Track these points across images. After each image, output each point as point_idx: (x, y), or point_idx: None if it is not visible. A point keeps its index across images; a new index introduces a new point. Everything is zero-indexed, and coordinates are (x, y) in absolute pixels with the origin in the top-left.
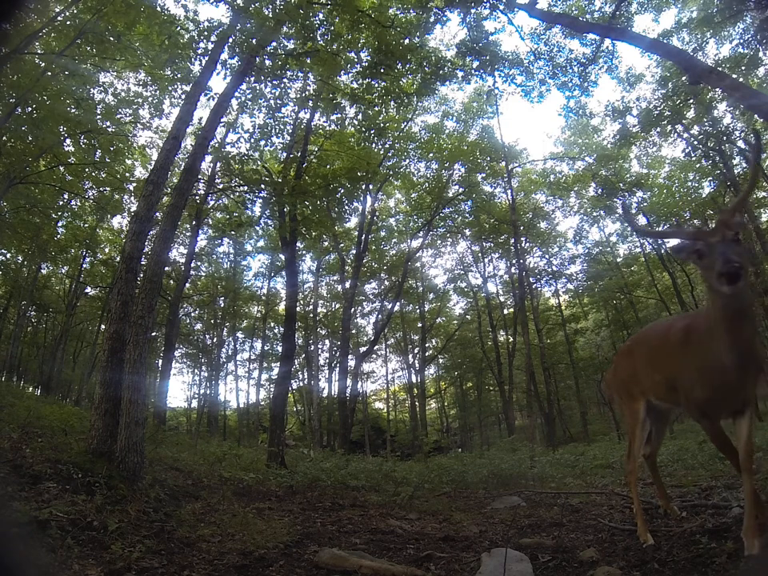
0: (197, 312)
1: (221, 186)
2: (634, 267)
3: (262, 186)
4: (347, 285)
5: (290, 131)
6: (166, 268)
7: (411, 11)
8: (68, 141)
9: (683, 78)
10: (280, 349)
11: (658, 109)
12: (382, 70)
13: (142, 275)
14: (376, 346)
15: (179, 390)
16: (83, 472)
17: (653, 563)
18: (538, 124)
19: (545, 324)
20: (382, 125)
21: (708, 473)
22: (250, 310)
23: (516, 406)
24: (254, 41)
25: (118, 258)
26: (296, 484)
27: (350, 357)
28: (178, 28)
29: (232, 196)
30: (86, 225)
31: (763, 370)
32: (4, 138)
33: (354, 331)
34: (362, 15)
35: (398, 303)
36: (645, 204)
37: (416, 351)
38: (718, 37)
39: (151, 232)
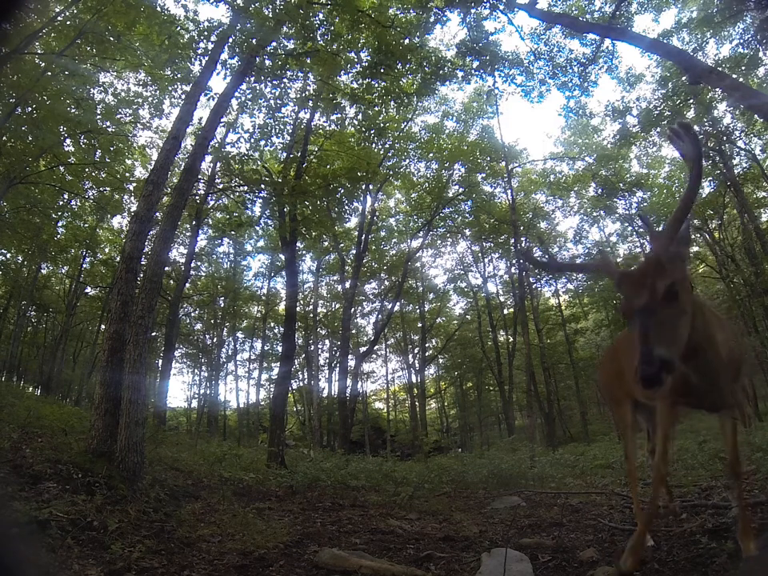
0: (197, 312)
1: (221, 186)
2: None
3: (262, 186)
4: (347, 285)
5: (290, 131)
6: (166, 268)
7: (411, 11)
8: (68, 141)
9: (683, 78)
10: (280, 349)
11: (658, 109)
12: (382, 70)
13: (142, 275)
14: (376, 346)
15: (179, 389)
16: (83, 472)
17: (653, 563)
18: (538, 124)
19: (545, 324)
20: (381, 125)
21: (708, 473)
22: (250, 310)
23: (516, 406)
24: (254, 41)
25: (118, 258)
26: (296, 484)
27: (350, 357)
28: (178, 28)
29: (232, 196)
30: (86, 225)
31: (738, 379)
32: (4, 138)
33: (354, 331)
34: (362, 15)
35: (398, 303)
36: (645, 204)
37: (416, 351)
38: (718, 37)
39: (151, 232)
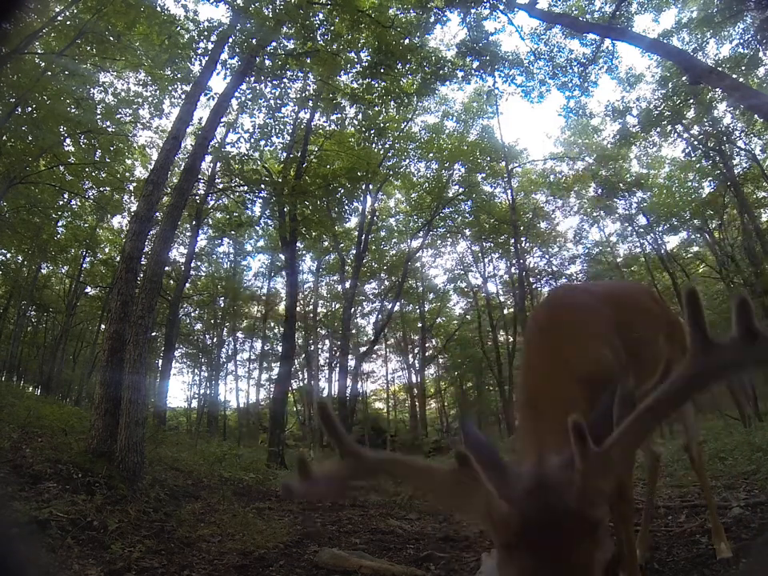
0: (197, 312)
1: (221, 186)
2: (634, 267)
3: (262, 186)
4: (347, 285)
5: (290, 131)
6: (166, 268)
7: (411, 11)
8: (68, 141)
9: (683, 78)
10: (280, 349)
11: (658, 109)
12: (382, 70)
13: (141, 275)
14: (376, 346)
15: (179, 389)
16: (83, 472)
17: (653, 563)
18: (538, 124)
19: None
20: (381, 125)
21: (708, 473)
22: (250, 309)
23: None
24: (254, 41)
25: (118, 258)
26: None
27: (349, 357)
28: (178, 28)
29: (232, 196)
30: (86, 225)
31: None
32: (4, 137)
33: (353, 331)
34: (362, 15)
35: (398, 303)
36: (645, 204)
37: (416, 351)
38: (718, 37)
39: (151, 232)
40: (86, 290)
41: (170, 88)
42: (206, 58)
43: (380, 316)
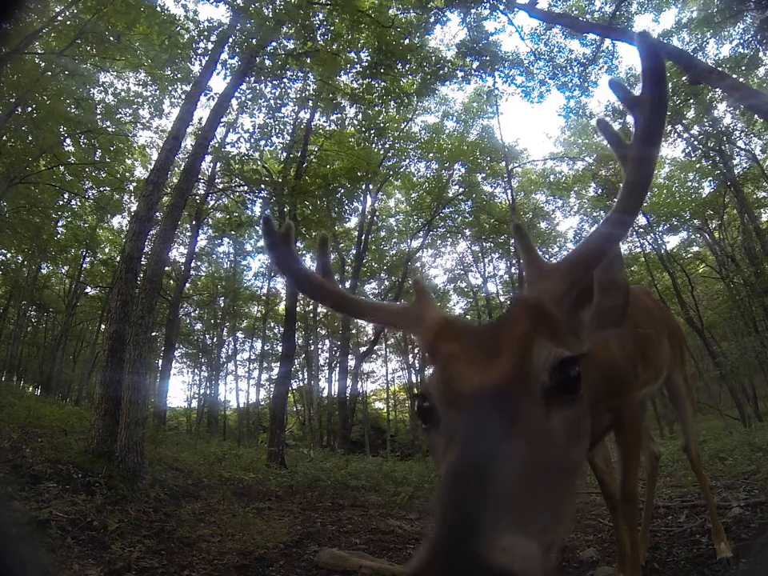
0: (197, 312)
1: (221, 186)
2: (634, 267)
3: (262, 186)
4: (347, 285)
5: (290, 131)
6: (166, 268)
7: (411, 11)
8: (68, 141)
9: (683, 78)
10: (280, 349)
11: None
12: (382, 70)
13: (142, 275)
14: (376, 346)
15: (179, 389)
16: (83, 472)
17: (653, 563)
18: (538, 124)
19: None
20: (381, 125)
21: (708, 473)
22: (250, 309)
23: None
24: (253, 41)
25: (118, 258)
26: (296, 484)
27: (349, 357)
28: (178, 28)
29: (232, 196)
30: (86, 225)
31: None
32: (4, 137)
33: (354, 331)
34: (362, 15)
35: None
36: (645, 204)
37: (416, 351)
38: (718, 37)
39: (151, 232)
40: (86, 290)
41: (169, 88)
42: (206, 58)
43: None
